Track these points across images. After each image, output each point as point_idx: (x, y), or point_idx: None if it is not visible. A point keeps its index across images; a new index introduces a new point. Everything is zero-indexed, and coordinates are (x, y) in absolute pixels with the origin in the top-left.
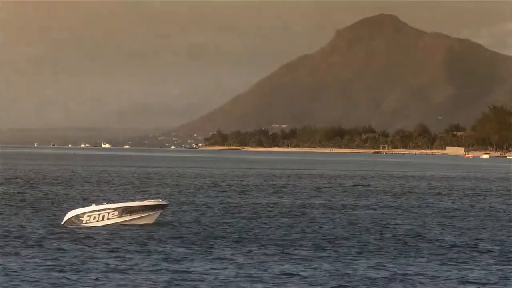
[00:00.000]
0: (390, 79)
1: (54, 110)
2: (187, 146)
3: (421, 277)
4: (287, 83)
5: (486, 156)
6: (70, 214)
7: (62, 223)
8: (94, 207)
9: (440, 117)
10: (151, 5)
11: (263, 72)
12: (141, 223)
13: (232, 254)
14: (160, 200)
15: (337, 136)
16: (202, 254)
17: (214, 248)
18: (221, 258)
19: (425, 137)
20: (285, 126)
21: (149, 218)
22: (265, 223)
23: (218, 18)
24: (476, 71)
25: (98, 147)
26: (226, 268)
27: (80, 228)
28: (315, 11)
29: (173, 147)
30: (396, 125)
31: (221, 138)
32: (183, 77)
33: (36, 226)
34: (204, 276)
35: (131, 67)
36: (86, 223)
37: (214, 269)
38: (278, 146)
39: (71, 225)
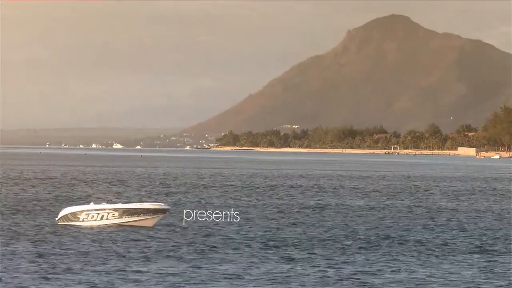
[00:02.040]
0: (402, 80)
1: (65, 111)
2: (199, 146)
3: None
4: (298, 83)
5: (496, 156)
6: (66, 211)
7: (56, 219)
8: (93, 205)
9: (451, 118)
10: (162, 5)
11: (274, 73)
12: (140, 225)
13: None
14: (162, 204)
15: (349, 136)
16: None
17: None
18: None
19: (436, 137)
20: (296, 126)
21: (149, 222)
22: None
23: (229, 18)
24: (487, 72)
25: (109, 147)
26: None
27: (76, 226)
28: (326, 11)
29: (187, 148)
30: (407, 125)
31: (233, 139)
32: (194, 77)
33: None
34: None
35: (142, 68)
36: (83, 221)
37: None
38: (290, 146)
39: (66, 222)
